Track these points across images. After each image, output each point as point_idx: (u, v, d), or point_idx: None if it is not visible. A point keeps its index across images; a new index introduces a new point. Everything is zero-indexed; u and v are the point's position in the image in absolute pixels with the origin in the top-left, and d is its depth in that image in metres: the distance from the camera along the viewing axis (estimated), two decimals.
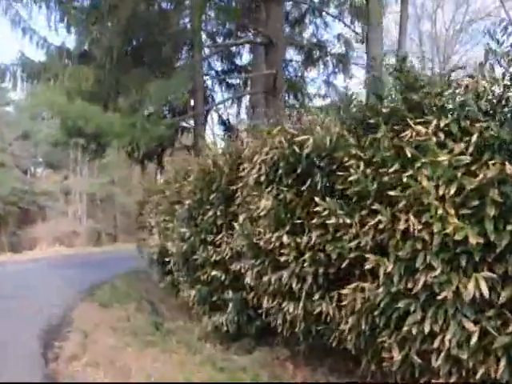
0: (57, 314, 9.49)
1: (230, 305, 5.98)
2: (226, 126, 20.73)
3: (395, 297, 3.37)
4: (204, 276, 6.46)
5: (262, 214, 4.73)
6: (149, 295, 11.20)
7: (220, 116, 21.09)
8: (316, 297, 4.28)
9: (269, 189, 4.77)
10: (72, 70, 10.63)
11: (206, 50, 13.76)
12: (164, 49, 10.45)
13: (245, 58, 17.65)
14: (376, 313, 3.53)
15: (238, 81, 19.68)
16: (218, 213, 6.18)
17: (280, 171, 4.63)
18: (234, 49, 15.42)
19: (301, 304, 4.40)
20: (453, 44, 27.88)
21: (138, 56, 10.69)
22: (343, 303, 3.86)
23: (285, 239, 4.56)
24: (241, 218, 5.39)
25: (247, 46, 15.79)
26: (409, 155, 3.36)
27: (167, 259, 7.97)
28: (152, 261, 10.45)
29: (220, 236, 6.12)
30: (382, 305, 3.45)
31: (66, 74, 10.06)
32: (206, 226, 6.33)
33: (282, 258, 4.60)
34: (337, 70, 18.70)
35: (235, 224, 5.51)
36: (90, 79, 10.18)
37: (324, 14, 16.21)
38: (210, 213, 6.22)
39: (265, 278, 4.94)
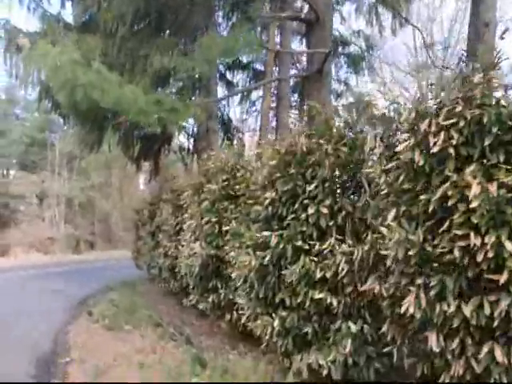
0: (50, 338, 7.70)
1: (349, 341, 4.07)
2: (227, 125, 18.78)
3: None
4: (294, 299, 4.54)
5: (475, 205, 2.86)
6: (164, 315, 9.15)
7: (222, 114, 19.04)
8: None
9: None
10: (74, 38, 8.58)
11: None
12: (191, 15, 8.46)
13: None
14: None
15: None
16: (324, 210, 4.28)
17: None
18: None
19: None
20: None
21: (159, 23, 8.69)
22: None
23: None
24: (390, 215, 3.50)
25: None
26: None
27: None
28: (172, 274, 8.42)
29: (328, 243, 4.22)
30: None
31: (68, 43, 7.96)
32: (301, 228, 4.41)
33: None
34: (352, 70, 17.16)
35: (382, 227, 3.60)
36: (97, 49, 8.16)
37: None
38: (311, 210, 4.31)
39: (446, 307, 3.11)
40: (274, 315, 4.74)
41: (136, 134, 16.70)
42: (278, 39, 15.55)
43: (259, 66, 17.77)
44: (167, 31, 8.94)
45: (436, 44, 17.00)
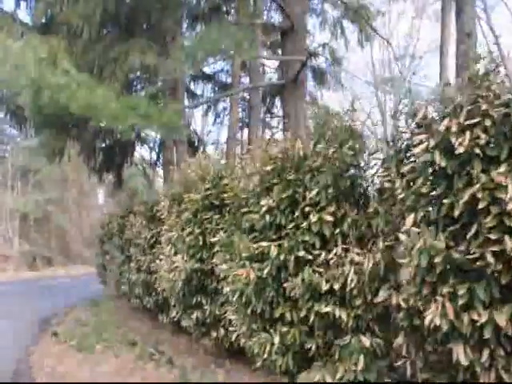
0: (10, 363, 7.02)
1: (361, 356, 3.80)
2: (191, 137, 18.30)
3: None
4: (295, 314, 4.24)
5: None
6: (138, 333, 8.60)
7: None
8: None
9: None
10: (35, 39, 8.03)
11: None
12: (164, 18, 8.08)
13: None
14: None
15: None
16: (328, 217, 4.01)
17: None
18: None
19: None
20: None
21: (130, 26, 8.26)
22: None
23: None
24: (408, 220, 3.27)
25: None
26: None
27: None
28: (147, 291, 7.92)
29: (334, 252, 3.95)
30: None
31: (27, 44, 7.41)
32: (303, 237, 4.12)
33: None
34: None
35: (399, 232, 3.36)
36: (61, 51, 7.65)
37: None
38: (314, 218, 4.03)
39: (476, 316, 2.90)
40: (272, 331, 4.41)
41: (98, 144, 16.09)
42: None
43: (225, 78, 17.61)
44: (137, 34, 8.51)
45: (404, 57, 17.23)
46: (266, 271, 4.20)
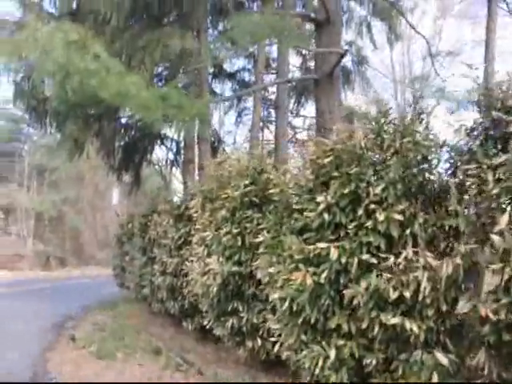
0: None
1: (434, 374, 3.29)
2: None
3: None
4: (354, 324, 3.74)
5: None
6: (160, 340, 8.14)
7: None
8: None
9: None
10: (64, 24, 7.66)
11: None
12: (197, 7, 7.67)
13: None
14: None
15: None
16: (396, 216, 3.52)
17: None
18: None
19: None
20: None
21: (160, 14, 7.86)
22: None
23: None
24: (503, 220, 2.78)
25: None
26: None
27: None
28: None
29: (404, 256, 3.46)
30: None
31: (57, 28, 7.02)
32: (366, 238, 3.63)
33: None
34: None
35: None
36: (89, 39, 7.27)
37: None
38: (381, 217, 3.54)
39: None
40: (324, 344, 3.91)
41: (117, 142, 15.76)
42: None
43: (247, 76, 17.18)
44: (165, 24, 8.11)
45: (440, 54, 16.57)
46: (323, 276, 3.70)
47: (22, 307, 12.73)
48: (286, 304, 3.99)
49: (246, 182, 5.48)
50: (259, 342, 5.32)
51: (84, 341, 8.42)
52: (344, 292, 3.70)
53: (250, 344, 5.44)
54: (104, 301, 14.18)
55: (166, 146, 17.31)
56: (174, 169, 20.98)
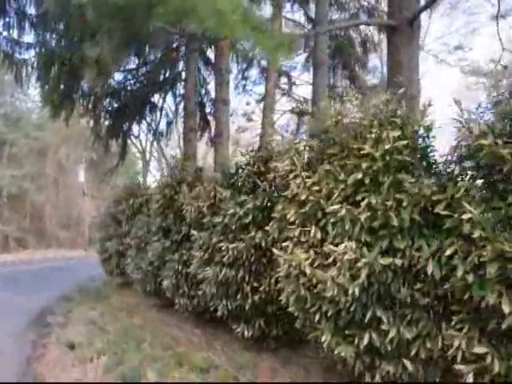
0: None
1: None
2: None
3: None
4: None
5: None
6: (190, 347, 6.22)
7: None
8: None
9: None
10: None
11: None
12: None
13: None
14: None
15: None
16: None
17: None
18: None
19: None
20: None
21: None
22: None
23: None
24: None
25: None
26: None
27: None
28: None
29: None
30: None
31: None
32: None
33: None
34: None
35: None
36: None
37: None
38: None
39: None
40: None
41: (105, 107, 13.50)
42: None
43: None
44: None
45: None
46: None
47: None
48: None
49: (396, 134, 3.67)
50: (409, 365, 3.56)
51: (87, 349, 6.38)
52: None
53: (390, 369, 3.67)
54: (86, 289, 12.07)
55: (160, 112, 15.11)
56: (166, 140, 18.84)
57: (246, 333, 5.61)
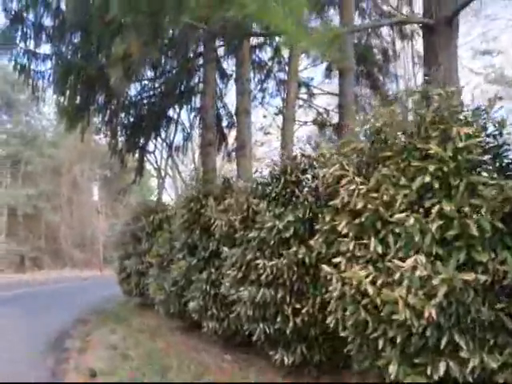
0: None
1: None
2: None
3: None
4: None
5: None
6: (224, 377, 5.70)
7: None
8: None
9: None
10: None
11: None
12: None
13: None
14: None
15: None
16: None
17: None
18: None
19: None
20: None
21: None
22: None
23: None
24: None
25: None
26: None
27: None
28: None
29: None
30: None
31: None
32: None
33: None
34: None
35: None
36: None
37: None
38: None
39: None
40: None
41: (121, 121, 13.20)
42: None
43: None
44: None
45: None
46: None
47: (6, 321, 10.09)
48: None
49: (467, 131, 3.19)
50: None
51: (110, 378, 5.89)
52: None
53: None
54: (103, 310, 11.60)
55: (176, 127, 14.76)
56: (181, 156, 18.39)
57: (285, 359, 5.08)
